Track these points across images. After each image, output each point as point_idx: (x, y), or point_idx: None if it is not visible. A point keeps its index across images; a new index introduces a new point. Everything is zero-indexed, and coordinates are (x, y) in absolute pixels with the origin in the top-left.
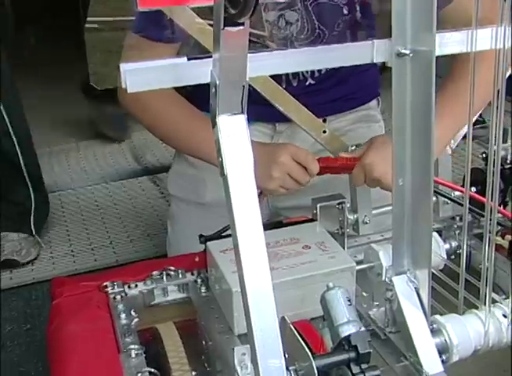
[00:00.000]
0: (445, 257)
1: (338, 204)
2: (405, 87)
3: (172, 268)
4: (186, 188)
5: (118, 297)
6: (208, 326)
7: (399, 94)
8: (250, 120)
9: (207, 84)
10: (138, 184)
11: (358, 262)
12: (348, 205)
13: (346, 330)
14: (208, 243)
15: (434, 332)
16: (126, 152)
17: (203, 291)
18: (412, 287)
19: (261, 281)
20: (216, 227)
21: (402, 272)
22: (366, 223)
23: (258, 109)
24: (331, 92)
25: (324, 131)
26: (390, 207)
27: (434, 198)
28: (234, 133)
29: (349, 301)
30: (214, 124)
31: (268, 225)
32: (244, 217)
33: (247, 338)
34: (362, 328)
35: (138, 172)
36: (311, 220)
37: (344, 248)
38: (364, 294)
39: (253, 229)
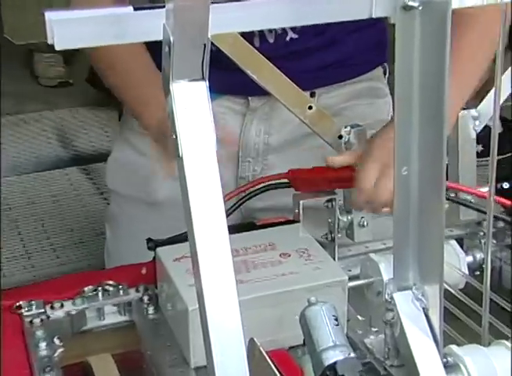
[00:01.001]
0: (467, 272)
1: (327, 201)
2: (412, 49)
3: (111, 282)
4: (131, 182)
5: (37, 320)
6: (157, 357)
7: (404, 58)
8: (215, 92)
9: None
10: (66, 176)
11: (353, 278)
12: (340, 203)
13: (331, 357)
14: (158, 249)
15: (449, 367)
16: (50, 134)
17: (150, 312)
18: (419, 307)
19: (225, 297)
20: (170, 233)
21: (407, 287)
22: (363, 227)
23: (225, 77)
24: (320, 55)
25: (310, 108)
26: None
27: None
28: (192, 104)
29: (336, 320)
30: (168, 93)
31: (237, 227)
32: (204, 212)
33: (207, 371)
34: (352, 354)
35: (66, 161)
36: (292, 221)
37: (333, 258)
38: (359, 317)
39: (215, 229)
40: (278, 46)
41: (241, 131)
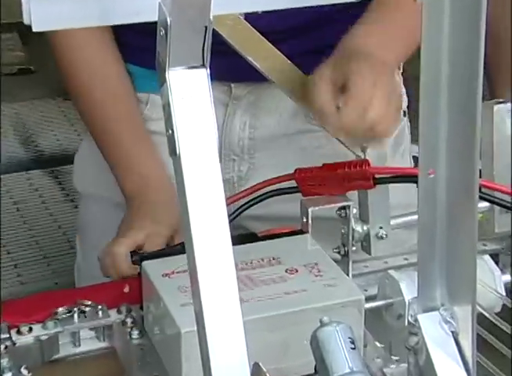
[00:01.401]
0: (503, 293)
1: (340, 209)
2: (441, 23)
3: (88, 302)
4: (101, 181)
5: (1, 347)
6: None
7: (432, 38)
8: None
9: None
10: (28, 181)
11: (370, 298)
12: (355, 211)
13: None
14: (145, 263)
15: None
16: (8, 131)
17: (134, 336)
18: (447, 331)
19: (230, 318)
20: None
21: (433, 308)
22: (382, 238)
23: None
24: (318, 35)
25: None
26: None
27: (487, 203)
28: (191, 94)
29: (352, 343)
30: (163, 82)
31: (236, 238)
32: (205, 220)
33: None
34: None
35: (28, 163)
36: (300, 232)
37: (348, 275)
38: (377, 344)
39: (218, 240)
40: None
41: (223, 125)
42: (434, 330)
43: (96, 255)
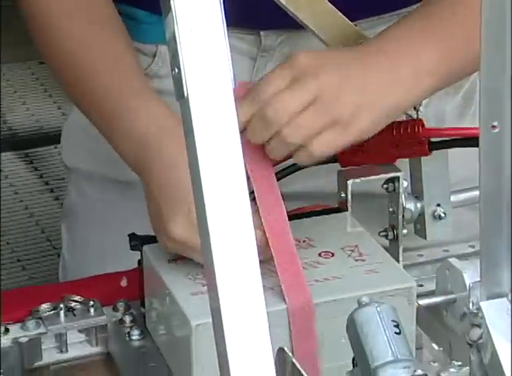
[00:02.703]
0: None
1: (387, 181)
2: None
3: (77, 298)
4: (96, 154)
5: None
6: None
7: None
8: None
9: None
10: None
11: (426, 294)
12: (406, 185)
13: (391, 375)
14: (146, 247)
15: None
16: None
17: (135, 337)
18: None
19: (252, 310)
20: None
21: (500, 294)
22: (440, 219)
23: (227, 2)
24: None
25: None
26: None
27: None
28: (202, 25)
29: (397, 326)
30: (168, 10)
31: None
32: (221, 178)
33: None
34: (419, 372)
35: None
36: (337, 210)
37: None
38: (435, 346)
39: (239, 211)
40: None
41: (251, 81)
42: (500, 321)
43: (88, 247)
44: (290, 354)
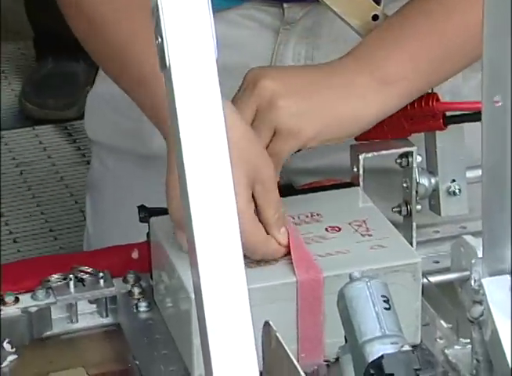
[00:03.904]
0: None
1: (400, 156)
2: None
3: (87, 269)
4: (118, 127)
5: None
6: (148, 369)
7: None
8: None
9: None
10: (36, 138)
11: (441, 271)
12: (420, 160)
13: (378, 350)
14: (153, 220)
15: None
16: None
17: (142, 309)
18: None
19: (233, 286)
20: None
21: (502, 270)
22: (455, 195)
23: None
24: None
25: (375, 18)
26: None
27: None
28: None
29: (386, 302)
30: None
31: None
32: (203, 149)
33: None
34: (406, 347)
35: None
36: (349, 185)
37: (410, 243)
38: (443, 323)
39: (221, 183)
40: None
41: (273, 56)
42: (502, 298)
43: (110, 220)
44: (275, 328)
